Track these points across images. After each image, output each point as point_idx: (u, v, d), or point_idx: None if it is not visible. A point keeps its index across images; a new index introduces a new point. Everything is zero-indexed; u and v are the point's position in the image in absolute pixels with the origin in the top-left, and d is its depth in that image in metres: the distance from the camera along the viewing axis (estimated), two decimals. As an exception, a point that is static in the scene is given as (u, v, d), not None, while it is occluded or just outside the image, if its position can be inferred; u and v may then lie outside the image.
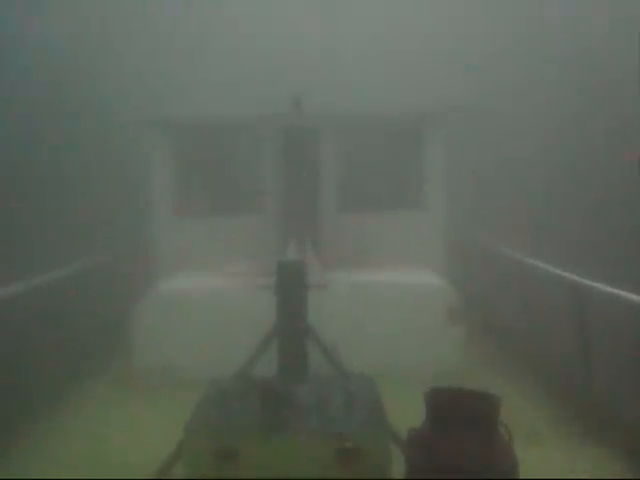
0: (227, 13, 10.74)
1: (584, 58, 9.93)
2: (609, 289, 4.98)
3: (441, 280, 6.74)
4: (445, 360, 6.22)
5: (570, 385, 5.45)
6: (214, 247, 6.95)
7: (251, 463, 3.12)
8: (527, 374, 6.19)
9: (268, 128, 7.08)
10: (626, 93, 9.32)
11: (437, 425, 2.77)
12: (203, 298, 6.15)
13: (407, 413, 3.29)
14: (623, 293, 4.77)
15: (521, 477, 2.81)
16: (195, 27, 10.84)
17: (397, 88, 7.62)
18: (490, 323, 7.63)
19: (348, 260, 6.93)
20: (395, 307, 6.30)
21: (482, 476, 2.62)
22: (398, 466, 3.37)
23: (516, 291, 7.16)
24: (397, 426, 3.60)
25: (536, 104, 10.04)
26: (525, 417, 5.03)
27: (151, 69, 10.20)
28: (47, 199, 9.09)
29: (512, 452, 2.78)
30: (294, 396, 3.83)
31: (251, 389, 3.89)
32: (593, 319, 5.27)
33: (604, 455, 4.49)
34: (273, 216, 6.95)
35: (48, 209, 8.98)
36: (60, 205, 9.01)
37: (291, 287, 4.24)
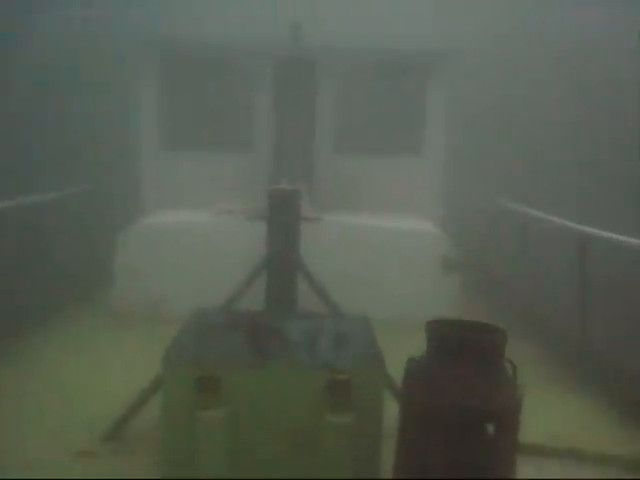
0: None
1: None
2: (609, 234, 4.80)
3: (436, 228, 6.52)
4: (436, 309, 6.02)
5: (567, 334, 5.31)
6: (203, 184, 6.64)
7: (234, 394, 2.89)
8: (524, 325, 6.03)
9: (262, 59, 6.67)
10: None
11: (439, 357, 2.54)
12: (187, 231, 5.88)
13: (397, 356, 3.05)
14: (624, 238, 4.59)
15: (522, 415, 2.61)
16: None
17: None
18: (487, 273, 7.44)
19: (342, 203, 6.66)
20: (388, 252, 6.09)
21: (487, 410, 2.42)
22: (391, 402, 3.21)
23: (515, 241, 6.95)
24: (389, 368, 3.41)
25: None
26: (521, 369, 4.88)
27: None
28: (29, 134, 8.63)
29: (517, 388, 2.58)
30: (282, 330, 3.60)
31: (237, 321, 3.65)
32: (594, 266, 5.10)
33: (597, 402, 4.40)
34: (266, 154, 6.61)
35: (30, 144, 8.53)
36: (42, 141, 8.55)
37: (283, 217, 3.98)
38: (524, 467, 2.75)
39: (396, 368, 2.95)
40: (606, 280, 5.59)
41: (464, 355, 2.50)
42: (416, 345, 2.71)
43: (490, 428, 2.46)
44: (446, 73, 7.05)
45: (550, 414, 4.18)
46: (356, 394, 2.91)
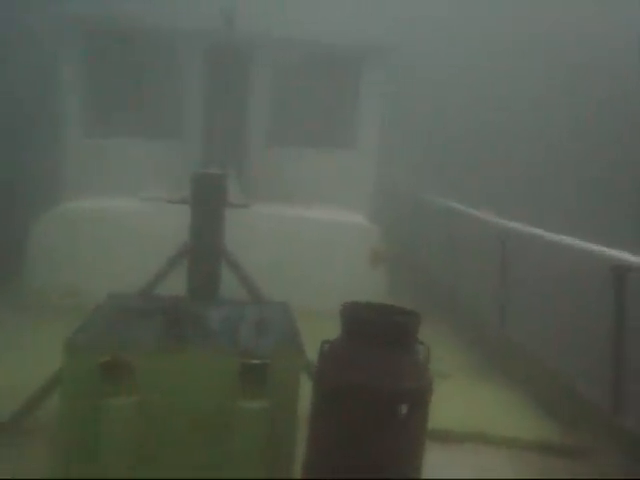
0: None
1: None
2: (528, 229, 4.96)
3: (366, 220, 6.57)
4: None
5: (488, 328, 5.47)
6: (129, 170, 6.43)
7: (143, 380, 2.76)
8: (448, 318, 6.17)
9: (193, 44, 6.50)
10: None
11: (353, 339, 2.55)
12: (105, 216, 5.68)
13: (319, 343, 3.03)
14: (540, 232, 4.76)
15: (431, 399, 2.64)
16: None
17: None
18: (416, 268, 7.58)
19: (275, 194, 6.61)
20: (317, 244, 6.09)
21: (397, 391, 2.43)
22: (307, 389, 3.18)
23: (444, 237, 7.11)
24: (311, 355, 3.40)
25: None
26: (438, 359, 4.99)
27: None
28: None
29: (428, 373, 2.61)
30: (201, 317, 3.52)
31: (154, 306, 3.54)
32: (514, 260, 5.27)
33: (511, 392, 4.54)
34: (195, 142, 6.47)
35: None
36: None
37: (208, 201, 3.89)
38: (433, 451, 2.80)
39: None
40: (525, 275, 5.80)
41: (377, 337, 2.51)
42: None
43: (402, 409, 2.48)
44: (381, 68, 7.10)
45: (464, 401, 4.30)
46: (272, 380, 2.87)
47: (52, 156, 7.01)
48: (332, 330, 2.97)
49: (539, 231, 4.88)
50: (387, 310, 2.70)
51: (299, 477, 2.79)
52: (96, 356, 2.72)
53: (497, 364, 4.99)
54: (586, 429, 3.84)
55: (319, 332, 3.47)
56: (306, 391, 3.04)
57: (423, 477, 2.64)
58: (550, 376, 4.40)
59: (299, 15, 6.85)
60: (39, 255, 5.51)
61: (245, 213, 5.49)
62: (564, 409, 4.14)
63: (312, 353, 3.23)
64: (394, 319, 2.58)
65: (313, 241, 6.10)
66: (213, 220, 3.95)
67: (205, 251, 3.92)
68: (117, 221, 5.66)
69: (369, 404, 2.43)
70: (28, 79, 8.21)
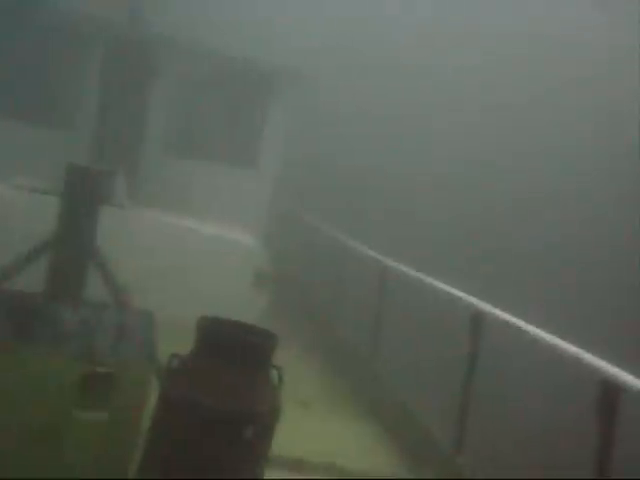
0: None
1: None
2: (405, 269, 5.10)
3: (255, 240, 6.51)
4: (240, 317, 5.96)
5: (357, 363, 5.52)
6: (10, 156, 5.98)
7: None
8: (318, 347, 6.18)
9: (95, 32, 6.20)
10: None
11: (205, 354, 2.45)
12: None
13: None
14: (415, 273, 4.90)
15: (277, 426, 2.58)
16: None
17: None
18: (300, 295, 7.57)
19: (166, 205, 6.40)
20: (201, 257, 5.94)
21: (232, 416, 2.35)
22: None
23: (330, 266, 7.18)
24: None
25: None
26: (303, 387, 4.99)
27: None
28: None
29: (277, 397, 2.55)
30: (54, 316, 3.27)
31: (1, 299, 3.25)
32: (393, 297, 5.39)
33: (372, 427, 4.58)
34: (88, 137, 6.15)
35: None
36: None
37: (78, 194, 3.67)
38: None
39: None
40: (401, 313, 5.96)
41: (229, 356, 2.43)
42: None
43: (247, 432, 2.40)
44: (289, 91, 7.14)
45: (320, 431, 4.29)
46: (118, 390, 2.70)
47: None
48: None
49: (416, 273, 5.02)
50: (245, 329, 2.63)
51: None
52: None
53: (359, 396, 5.04)
54: (430, 466, 3.94)
55: (185, 346, 3.35)
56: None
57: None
58: (406, 412, 4.49)
59: (213, 26, 6.79)
60: None
61: (127, 216, 5.27)
62: (415, 446, 4.24)
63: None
64: (248, 338, 2.52)
65: (196, 253, 5.94)
66: (83, 216, 3.73)
67: (70, 247, 3.68)
68: None
69: (209, 424, 2.34)
70: None
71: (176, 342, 3.79)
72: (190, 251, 5.90)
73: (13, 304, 3.22)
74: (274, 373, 2.58)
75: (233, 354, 2.43)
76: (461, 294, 4.20)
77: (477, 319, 3.82)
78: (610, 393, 2.70)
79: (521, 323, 3.56)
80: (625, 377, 2.69)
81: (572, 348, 3.11)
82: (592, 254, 9.48)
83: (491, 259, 9.40)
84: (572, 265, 9.46)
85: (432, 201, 10.07)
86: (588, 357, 2.96)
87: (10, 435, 2.61)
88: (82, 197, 3.68)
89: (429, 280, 4.76)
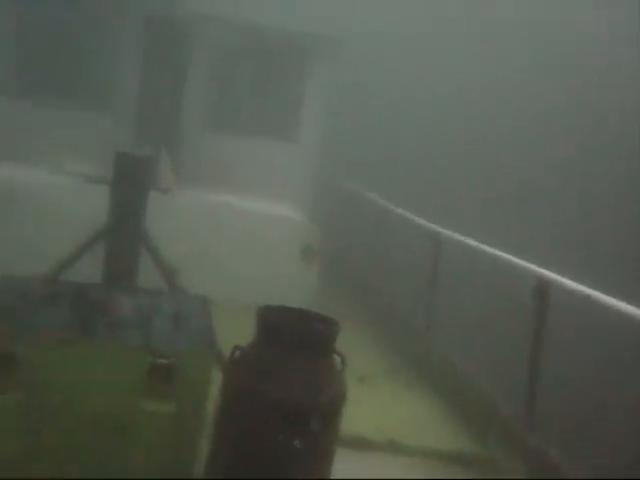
0: None
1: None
2: (462, 238, 4.95)
3: (301, 215, 6.43)
4: (293, 299, 5.92)
5: (411, 335, 5.43)
6: (53, 139, 6.03)
7: (32, 374, 2.52)
8: (372, 320, 6.11)
9: (132, 14, 6.13)
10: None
11: (266, 345, 2.40)
12: (17, 188, 5.28)
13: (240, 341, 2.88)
14: (475, 243, 4.75)
15: (345, 410, 2.53)
16: None
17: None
18: (349, 268, 7.49)
19: (210, 181, 6.36)
20: (248, 236, 5.89)
21: (304, 406, 2.30)
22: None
23: (377, 238, 7.06)
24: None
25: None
26: (359, 361, 4.95)
27: None
28: None
29: (343, 384, 2.49)
30: (113, 306, 3.28)
31: (58, 291, 3.27)
32: (446, 270, 5.26)
33: (431, 399, 4.51)
34: (128, 118, 6.13)
35: None
36: None
37: (129, 183, 3.64)
38: (344, 459, 2.70)
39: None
40: (455, 282, 5.82)
41: (291, 345, 2.38)
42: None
43: (314, 424, 2.36)
44: (329, 61, 6.95)
45: (380, 408, 4.24)
46: (181, 380, 2.69)
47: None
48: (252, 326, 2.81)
49: (473, 241, 4.86)
50: (305, 316, 2.56)
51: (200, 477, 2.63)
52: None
53: (419, 371, 4.96)
54: (498, 442, 3.85)
55: (239, 329, 3.31)
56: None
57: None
58: (470, 387, 4.40)
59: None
60: None
61: (171, 197, 5.25)
62: (479, 421, 4.15)
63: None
64: (310, 327, 2.46)
65: (243, 231, 5.90)
66: (134, 203, 3.71)
67: (123, 235, 3.68)
68: (29, 194, 5.28)
69: (277, 415, 2.29)
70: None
71: (231, 324, 3.80)
72: (235, 229, 5.85)
73: (73, 295, 3.25)
74: (337, 359, 2.52)
75: (296, 343, 2.37)
76: (523, 263, 4.04)
77: (542, 290, 3.66)
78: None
79: (592, 292, 3.39)
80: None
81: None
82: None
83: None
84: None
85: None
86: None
87: (78, 428, 2.63)
88: (132, 185, 3.66)
89: (487, 249, 4.60)
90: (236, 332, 3.39)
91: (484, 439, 3.94)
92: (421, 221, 5.83)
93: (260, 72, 7.00)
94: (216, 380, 2.82)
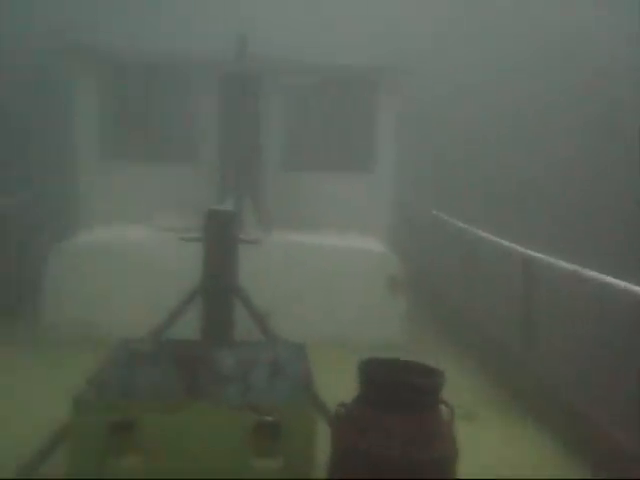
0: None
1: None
2: (554, 260, 4.75)
3: (384, 247, 6.41)
4: (384, 332, 5.90)
5: (513, 363, 5.24)
6: (143, 197, 6.35)
7: (151, 438, 2.64)
8: (468, 350, 5.95)
9: (207, 71, 6.44)
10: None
11: (370, 401, 2.39)
12: (119, 250, 5.59)
13: (339, 386, 2.88)
14: (570, 265, 4.54)
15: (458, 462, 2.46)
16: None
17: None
18: (433, 295, 7.38)
19: (289, 220, 6.49)
20: (334, 273, 5.94)
21: (416, 465, 2.26)
22: (326, 445, 3.02)
23: (462, 263, 6.91)
24: (329, 401, 3.23)
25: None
26: (464, 396, 4.80)
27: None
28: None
29: (453, 438, 2.43)
30: (214, 362, 3.39)
31: (165, 352, 3.42)
32: (539, 294, 5.06)
33: (540, 436, 4.30)
34: (210, 168, 6.37)
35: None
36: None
37: (220, 239, 3.77)
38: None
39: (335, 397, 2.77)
40: (551, 305, 5.58)
41: (396, 401, 2.35)
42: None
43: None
44: (397, 89, 6.99)
45: (495, 446, 4.07)
46: (285, 437, 2.72)
47: (68, 181, 7.01)
48: (349, 367, 2.80)
49: (562, 262, 4.66)
50: (408, 368, 2.53)
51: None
52: (104, 415, 2.62)
53: (523, 401, 4.75)
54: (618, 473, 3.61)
55: (337, 372, 3.30)
56: (323, 443, 2.89)
57: None
58: (578, 417, 4.16)
59: (310, 39, 6.78)
60: (53, 288, 5.42)
61: (258, 244, 5.37)
62: (595, 452, 3.90)
63: (330, 396, 3.08)
64: (416, 382, 2.42)
65: (329, 270, 5.95)
66: (226, 258, 3.83)
67: (218, 291, 3.79)
68: (130, 254, 5.56)
69: (387, 473, 2.27)
70: (43, 103, 8.23)
71: (328, 365, 3.81)
72: (324, 268, 5.91)
73: (175, 354, 3.38)
74: (445, 410, 2.47)
75: (400, 398, 2.34)
76: (623, 283, 3.83)
77: None
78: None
79: None
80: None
81: None
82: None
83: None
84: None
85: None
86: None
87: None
88: (223, 241, 3.78)
89: (584, 271, 4.38)
90: (334, 375, 3.39)
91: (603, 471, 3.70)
92: (510, 245, 5.67)
93: (332, 107, 7.12)
94: (321, 431, 2.84)
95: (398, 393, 2.34)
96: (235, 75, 6.02)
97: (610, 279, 4.07)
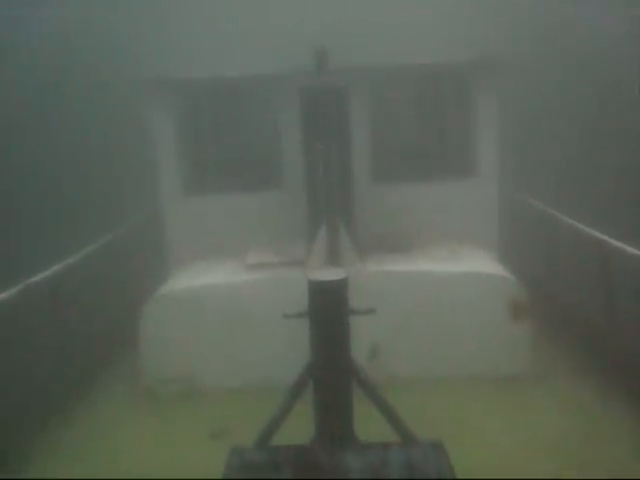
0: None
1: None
2: None
3: (501, 267, 5.60)
4: (508, 362, 5.18)
5: None
6: (231, 229, 5.90)
7: None
8: (605, 375, 5.12)
9: (286, 90, 5.82)
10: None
11: None
12: (217, 295, 5.13)
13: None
14: None
15: None
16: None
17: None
18: (556, 313, 6.48)
19: (387, 240, 5.82)
20: (447, 302, 5.20)
21: None
22: None
23: (590, 271, 5.95)
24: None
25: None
26: (613, 433, 4.05)
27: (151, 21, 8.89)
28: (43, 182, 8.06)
29: None
30: (337, 468, 2.83)
31: (281, 459, 2.88)
32: None
33: None
34: (298, 191, 5.76)
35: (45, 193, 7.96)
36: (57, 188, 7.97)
37: (328, 314, 3.16)
38: None
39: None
40: None
41: None
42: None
43: None
44: (494, 82, 6.10)
45: None
46: None
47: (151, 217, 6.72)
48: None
49: None
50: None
51: None
52: None
53: None
54: None
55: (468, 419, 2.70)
56: None
57: None
58: None
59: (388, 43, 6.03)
60: (151, 341, 5.06)
61: (359, 276, 4.71)
62: None
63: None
64: None
65: (440, 298, 5.22)
66: (336, 334, 3.22)
67: (331, 375, 3.20)
68: (228, 299, 5.10)
69: None
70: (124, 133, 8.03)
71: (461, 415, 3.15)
72: (433, 297, 5.20)
73: (295, 463, 2.85)
74: None
75: None
76: None
77: None
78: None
79: None
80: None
81: None
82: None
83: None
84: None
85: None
86: None
87: None
88: (333, 316, 3.18)
89: None
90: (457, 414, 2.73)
91: None
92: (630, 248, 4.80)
93: (422, 110, 6.34)
94: None
95: None
96: (318, 89, 5.34)
97: None
